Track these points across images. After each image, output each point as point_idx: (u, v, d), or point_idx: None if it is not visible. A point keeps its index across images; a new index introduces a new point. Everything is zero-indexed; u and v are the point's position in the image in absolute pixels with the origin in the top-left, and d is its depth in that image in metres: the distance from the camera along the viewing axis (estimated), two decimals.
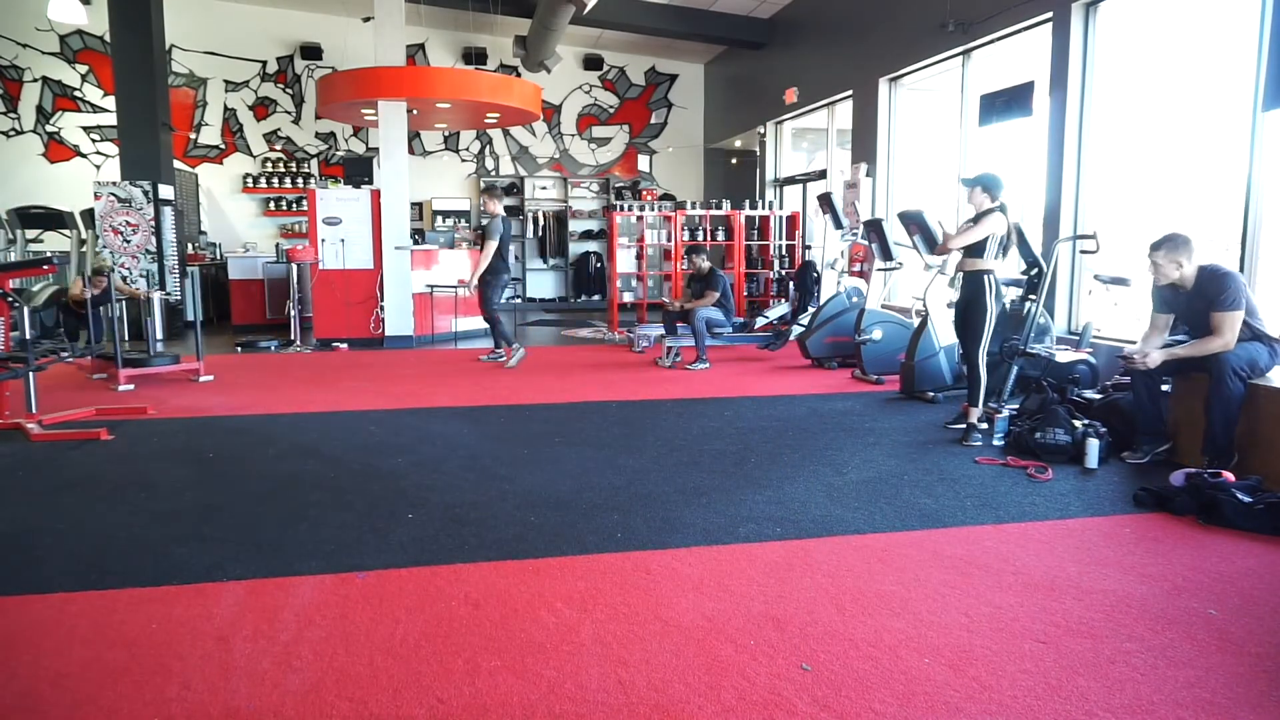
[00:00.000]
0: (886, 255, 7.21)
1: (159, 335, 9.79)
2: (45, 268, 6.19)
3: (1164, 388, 4.55)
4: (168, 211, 10.22)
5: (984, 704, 2.16)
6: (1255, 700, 2.20)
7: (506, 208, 14.11)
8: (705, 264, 8.04)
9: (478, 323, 9.95)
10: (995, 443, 4.86)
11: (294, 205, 13.01)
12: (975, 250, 4.91)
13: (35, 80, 12.25)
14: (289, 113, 13.23)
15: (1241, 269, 5.11)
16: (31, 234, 11.50)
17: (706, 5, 11.49)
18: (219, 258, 11.62)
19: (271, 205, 13.10)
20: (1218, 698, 2.20)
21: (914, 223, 6.24)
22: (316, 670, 2.32)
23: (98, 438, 4.95)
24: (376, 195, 9.39)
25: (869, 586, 2.89)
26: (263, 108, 13.11)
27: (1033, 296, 5.76)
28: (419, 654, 2.42)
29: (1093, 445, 4.34)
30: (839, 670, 2.33)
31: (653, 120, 14.67)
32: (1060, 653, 2.43)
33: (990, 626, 2.60)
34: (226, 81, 12.90)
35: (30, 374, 5.20)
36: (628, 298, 11.52)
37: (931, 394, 6.18)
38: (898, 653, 2.43)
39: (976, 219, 4.91)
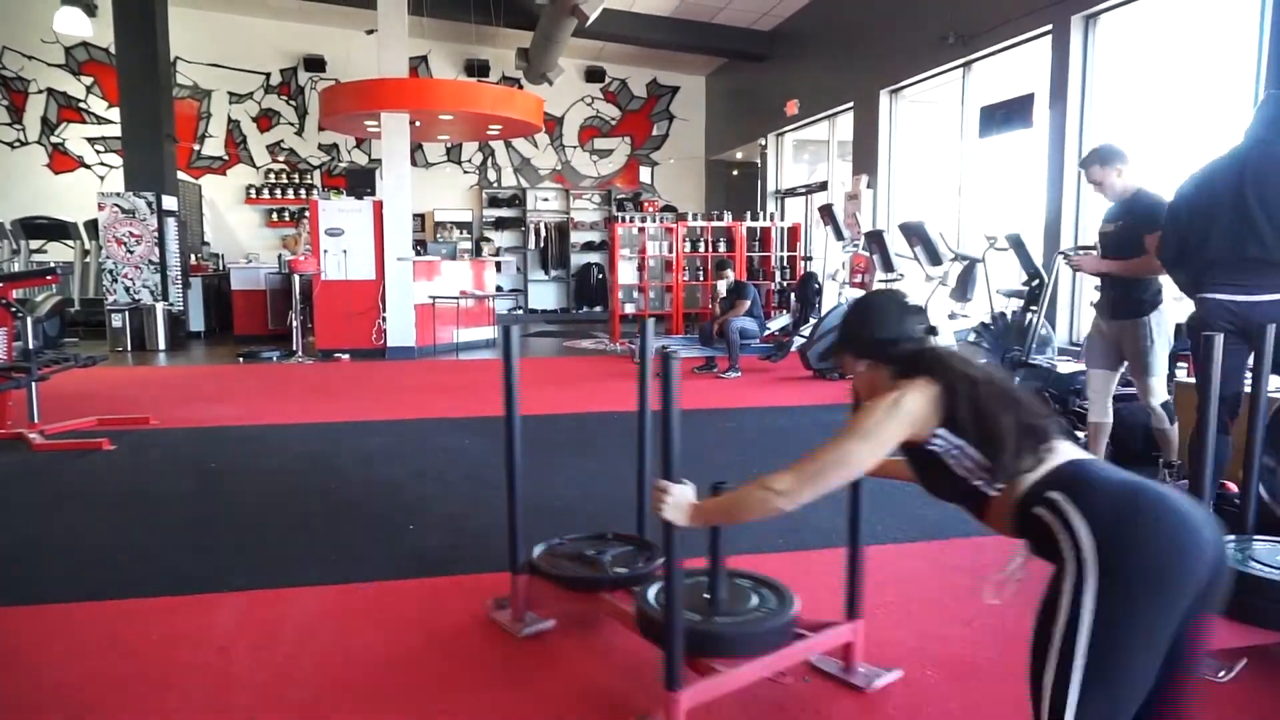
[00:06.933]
0: (888, 266, 7.22)
1: (162, 345, 9.87)
2: (49, 278, 6.19)
3: None
4: (171, 222, 10.28)
5: (989, 716, 2.15)
6: (1264, 712, 2.19)
7: (509, 219, 14.25)
8: (733, 277, 8.53)
9: (480, 333, 9.98)
10: None
11: (296, 216, 13.04)
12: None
13: (40, 92, 12.32)
14: (292, 124, 13.29)
15: None
16: (35, 244, 11.57)
17: (708, 18, 11.55)
18: (222, 268, 11.65)
19: (274, 216, 13.13)
20: (1223, 708, 2.19)
21: (915, 234, 6.26)
22: (317, 682, 2.31)
23: (100, 448, 4.95)
24: (379, 206, 9.42)
25: (872, 597, 2.87)
26: (266, 119, 13.17)
27: (1034, 308, 5.76)
28: (421, 665, 2.41)
29: None
30: (841, 682, 2.32)
31: (654, 132, 14.71)
32: None
33: (994, 638, 2.59)
34: (230, 93, 12.97)
35: (33, 384, 5.20)
36: (629, 309, 11.52)
37: None
38: (901, 664, 2.42)
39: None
